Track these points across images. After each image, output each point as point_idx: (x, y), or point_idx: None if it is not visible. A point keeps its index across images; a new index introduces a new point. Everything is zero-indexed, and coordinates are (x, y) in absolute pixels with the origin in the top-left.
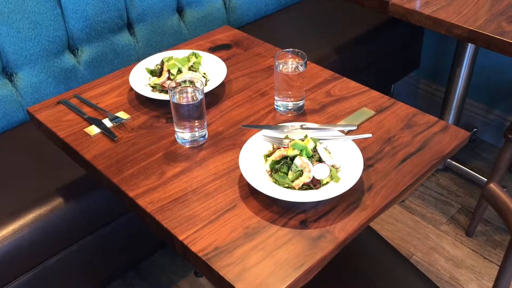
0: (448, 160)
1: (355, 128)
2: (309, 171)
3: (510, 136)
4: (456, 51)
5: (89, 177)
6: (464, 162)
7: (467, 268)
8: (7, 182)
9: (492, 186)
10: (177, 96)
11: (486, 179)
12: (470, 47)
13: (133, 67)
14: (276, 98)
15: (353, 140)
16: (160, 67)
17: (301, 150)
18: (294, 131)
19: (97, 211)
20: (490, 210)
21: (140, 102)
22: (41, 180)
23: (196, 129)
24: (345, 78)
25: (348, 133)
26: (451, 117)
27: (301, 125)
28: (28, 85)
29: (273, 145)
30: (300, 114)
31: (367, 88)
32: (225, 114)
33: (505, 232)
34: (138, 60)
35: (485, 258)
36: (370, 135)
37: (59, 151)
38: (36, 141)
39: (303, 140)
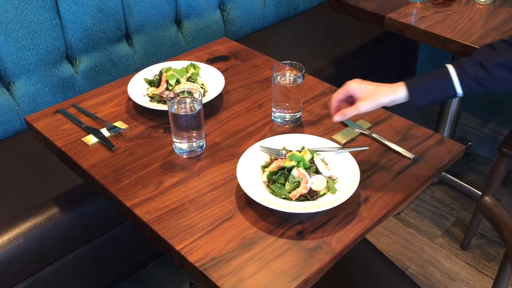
0: (443, 173)
1: (366, 148)
2: (306, 182)
3: (504, 150)
4: None
5: (85, 187)
6: (459, 175)
7: (462, 281)
8: (2, 191)
9: (487, 199)
10: (176, 107)
11: (480, 193)
12: None
13: (132, 77)
14: (273, 109)
15: (350, 152)
16: (158, 77)
17: (298, 162)
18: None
19: (93, 221)
20: (484, 224)
21: (138, 112)
22: (37, 189)
23: (194, 140)
24: None
25: (345, 145)
26: (446, 131)
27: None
28: (26, 94)
29: (270, 156)
30: (297, 125)
31: None
32: (223, 125)
33: (499, 246)
34: (136, 70)
35: (480, 271)
36: (366, 147)
37: (56, 160)
38: (32, 150)
39: (300, 152)
